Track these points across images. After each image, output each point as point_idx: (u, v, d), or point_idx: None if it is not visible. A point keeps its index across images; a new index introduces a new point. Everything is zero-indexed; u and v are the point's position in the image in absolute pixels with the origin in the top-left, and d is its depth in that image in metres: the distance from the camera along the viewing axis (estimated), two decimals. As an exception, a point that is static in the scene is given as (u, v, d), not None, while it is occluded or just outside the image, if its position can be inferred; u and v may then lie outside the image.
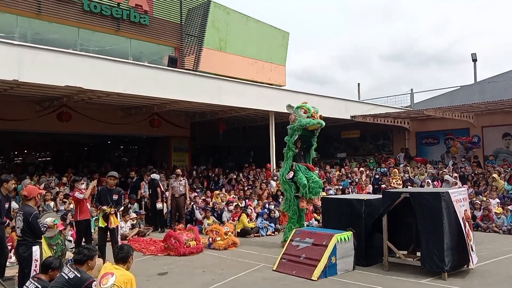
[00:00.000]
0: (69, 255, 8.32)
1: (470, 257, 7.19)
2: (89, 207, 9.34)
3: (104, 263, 7.51)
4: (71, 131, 16.91)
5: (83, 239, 8.84)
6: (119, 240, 8.52)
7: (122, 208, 10.73)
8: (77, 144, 24.07)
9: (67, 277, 4.65)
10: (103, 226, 8.35)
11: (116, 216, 8.43)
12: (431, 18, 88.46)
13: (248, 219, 12.18)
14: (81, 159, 23.48)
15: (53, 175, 14.24)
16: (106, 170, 16.74)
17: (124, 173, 16.66)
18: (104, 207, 8.32)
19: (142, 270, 8.13)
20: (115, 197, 8.48)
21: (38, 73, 10.50)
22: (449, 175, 15.34)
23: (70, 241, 9.24)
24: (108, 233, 8.50)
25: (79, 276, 4.64)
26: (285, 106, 10.24)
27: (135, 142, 24.27)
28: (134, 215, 12.67)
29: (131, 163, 22.74)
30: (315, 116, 9.79)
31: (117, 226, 8.47)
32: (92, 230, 10.82)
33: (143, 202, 13.51)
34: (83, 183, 9.95)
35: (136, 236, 11.70)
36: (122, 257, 4.72)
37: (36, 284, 5.34)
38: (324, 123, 9.94)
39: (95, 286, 4.64)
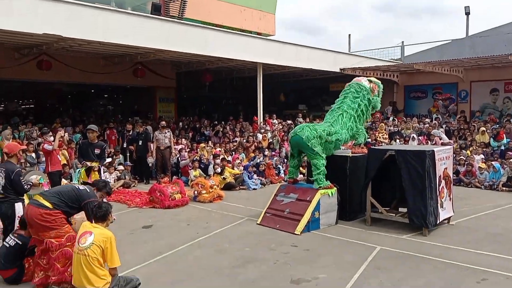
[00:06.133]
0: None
1: (437, 213, 7.27)
2: (59, 158, 9.31)
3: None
4: (51, 79, 16.49)
5: None
6: (103, 194, 8.43)
7: (107, 162, 10.63)
8: (59, 92, 23.51)
9: (76, 187, 5.17)
10: (84, 181, 8.22)
11: (99, 173, 8.28)
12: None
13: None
14: (65, 107, 23.06)
15: (35, 125, 13.93)
16: (91, 121, 16.50)
17: (105, 123, 16.37)
18: (88, 163, 8.14)
19: (127, 223, 8.15)
20: (97, 151, 8.25)
21: (14, 21, 9.95)
22: (436, 129, 15.47)
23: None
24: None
25: (88, 191, 5.09)
26: (368, 78, 9.02)
27: (119, 92, 23.78)
28: (121, 167, 12.58)
29: (116, 112, 22.40)
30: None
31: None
32: (76, 181, 10.81)
33: (128, 154, 13.39)
34: (51, 135, 9.78)
35: (121, 187, 11.66)
36: (101, 216, 4.64)
37: (16, 240, 5.31)
38: None
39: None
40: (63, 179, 10.87)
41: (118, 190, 11.31)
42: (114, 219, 6.72)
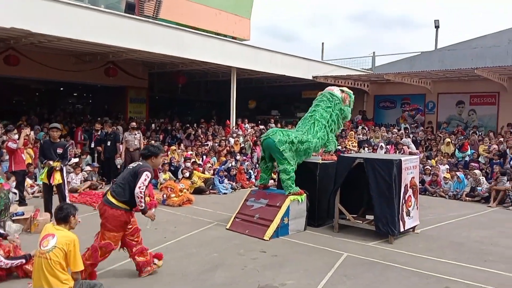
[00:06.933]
0: (15, 208, 8.00)
1: (402, 223, 7.42)
2: (24, 157, 9.06)
3: (51, 219, 7.29)
4: (19, 75, 15.97)
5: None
6: (67, 195, 8.20)
7: (70, 162, 10.35)
8: (27, 89, 22.79)
9: (131, 167, 5.27)
10: (45, 182, 7.98)
11: (62, 172, 8.04)
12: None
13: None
14: (32, 105, 22.37)
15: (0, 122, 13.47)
16: (60, 120, 16.07)
17: (74, 122, 15.99)
18: (50, 162, 7.89)
19: (92, 226, 7.83)
20: (59, 150, 7.99)
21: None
22: (405, 138, 15.84)
23: (15, 193, 8.85)
24: (55, 188, 8.16)
25: (141, 164, 5.20)
26: (340, 88, 9.09)
27: (90, 91, 23.27)
28: (88, 168, 12.30)
29: (85, 112, 21.91)
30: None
31: (64, 181, 8.12)
32: (41, 182, 10.49)
33: (95, 154, 13.10)
34: (16, 133, 9.48)
35: (88, 189, 11.39)
36: (62, 218, 4.48)
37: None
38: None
39: (147, 175, 5.02)
40: (27, 179, 10.56)
41: (85, 192, 11.06)
42: (79, 221, 6.55)
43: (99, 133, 13.35)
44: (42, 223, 7.17)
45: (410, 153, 13.79)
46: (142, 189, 4.95)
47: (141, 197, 4.96)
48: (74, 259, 4.36)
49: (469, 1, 74.03)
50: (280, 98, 24.96)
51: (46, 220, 7.32)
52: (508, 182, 11.28)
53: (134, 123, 13.23)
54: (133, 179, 5.03)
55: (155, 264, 5.62)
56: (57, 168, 7.89)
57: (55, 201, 7.95)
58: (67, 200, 7.99)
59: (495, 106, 17.98)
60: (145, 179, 4.96)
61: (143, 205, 5.03)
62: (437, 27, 24.01)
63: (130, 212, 5.20)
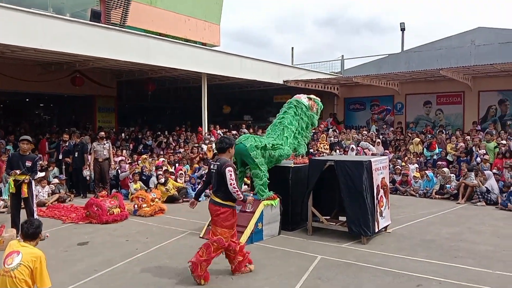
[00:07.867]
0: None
1: (376, 223, 7.51)
2: None
3: (17, 233, 7.04)
4: (-19, 87, 15.45)
5: None
6: (35, 209, 7.92)
7: (40, 176, 10.03)
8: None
9: (213, 171, 5.71)
10: (13, 192, 7.69)
11: (30, 185, 7.78)
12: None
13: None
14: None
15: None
16: (25, 132, 15.60)
17: (41, 134, 15.55)
18: (17, 171, 7.61)
19: (61, 240, 7.72)
20: (28, 163, 7.73)
21: None
22: (373, 139, 16.07)
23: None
24: (23, 202, 7.87)
25: (218, 164, 5.64)
26: (308, 96, 9.13)
27: (56, 101, 22.69)
28: (56, 180, 11.96)
29: (52, 123, 21.36)
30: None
31: (32, 195, 7.84)
32: (6, 197, 10.13)
33: (64, 166, 12.76)
34: None
35: (56, 202, 11.07)
36: (32, 233, 4.31)
37: None
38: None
39: (229, 170, 5.48)
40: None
41: (53, 205, 10.74)
42: (47, 236, 6.37)
43: (67, 144, 13.02)
44: (7, 239, 6.89)
45: (373, 155, 13.99)
46: (234, 184, 5.51)
47: (236, 190, 5.54)
48: (40, 276, 4.20)
49: (433, 4, 76.34)
50: (252, 103, 25.00)
51: (12, 236, 7.06)
52: (476, 178, 11.59)
53: (102, 133, 12.96)
54: (222, 179, 5.53)
55: (247, 267, 6.02)
56: (26, 181, 7.62)
57: (23, 215, 7.69)
58: (35, 215, 7.74)
59: (460, 105, 18.52)
60: (231, 175, 5.49)
61: (241, 196, 5.63)
62: (403, 29, 24.53)
63: (235, 209, 5.84)
